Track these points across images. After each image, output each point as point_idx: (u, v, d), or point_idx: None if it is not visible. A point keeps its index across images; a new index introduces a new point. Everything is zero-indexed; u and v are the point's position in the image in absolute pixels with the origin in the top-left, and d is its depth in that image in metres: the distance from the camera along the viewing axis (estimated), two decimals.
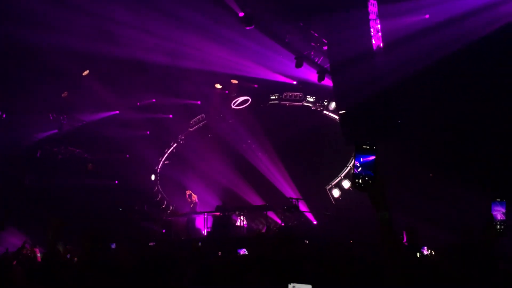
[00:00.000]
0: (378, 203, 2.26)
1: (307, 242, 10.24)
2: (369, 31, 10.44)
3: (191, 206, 15.78)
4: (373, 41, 10.48)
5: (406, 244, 6.63)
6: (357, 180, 2.25)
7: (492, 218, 3.46)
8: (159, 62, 14.62)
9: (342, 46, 11.21)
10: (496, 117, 10.09)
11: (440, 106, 10.98)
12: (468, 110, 10.41)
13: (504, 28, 9.67)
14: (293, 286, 2.64)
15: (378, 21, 10.53)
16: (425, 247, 6.87)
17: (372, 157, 2.25)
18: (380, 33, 10.59)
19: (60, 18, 12.02)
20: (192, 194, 16.09)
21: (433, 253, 6.77)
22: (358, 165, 2.26)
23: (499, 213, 3.53)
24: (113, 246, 8.86)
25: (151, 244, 12.35)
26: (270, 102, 17.23)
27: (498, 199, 3.54)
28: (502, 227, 3.48)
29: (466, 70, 10.23)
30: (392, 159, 12.40)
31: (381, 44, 10.58)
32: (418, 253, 6.71)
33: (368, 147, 2.26)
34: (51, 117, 16.44)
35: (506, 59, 9.68)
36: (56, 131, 16.96)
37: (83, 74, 15.68)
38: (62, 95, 16.08)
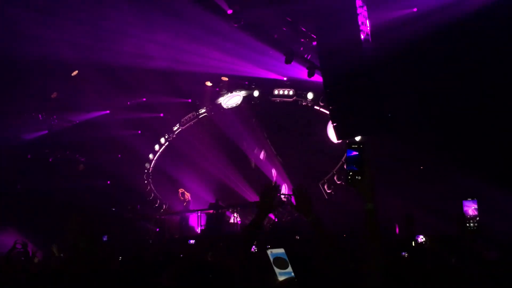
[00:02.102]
0: (365, 196, 2.36)
1: (298, 237, 10.28)
2: (357, 24, 10.45)
3: (184, 204, 15.78)
4: (361, 35, 10.48)
5: (398, 234, 6.70)
6: (349, 177, 2.38)
7: (463, 216, 3.50)
8: (148, 61, 14.53)
9: (331, 40, 11.20)
10: (487, 108, 10.17)
11: (430, 98, 11.05)
12: (459, 102, 10.47)
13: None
14: (271, 251, 2.79)
15: (366, 14, 10.54)
16: (420, 235, 6.92)
17: (355, 153, 2.37)
18: (368, 26, 10.61)
19: (47, 24, 11.99)
20: (185, 192, 16.08)
21: (428, 241, 6.82)
22: (349, 160, 2.39)
23: (470, 208, 3.57)
24: (105, 238, 8.84)
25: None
26: (261, 98, 17.22)
27: (468, 198, 3.60)
28: (476, 224, 3.52)
29: (457, 61, 10.29)
30: (383, 151, 12.47)
31: (370, 37, 10.60)
32: (413, 241, 6.76)
33: (354, 145, 2.39)
34: (40, 117, 16.33)
35: (498, 51, 9.75)
36: (46, 132, 16.86)
37: (72, 74, 15.58)
38: (52, 95, 15.96)
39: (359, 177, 2.36)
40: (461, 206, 3.58)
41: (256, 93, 17.08)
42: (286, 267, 2.78)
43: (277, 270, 2.77)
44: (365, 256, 2.31)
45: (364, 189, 2.37)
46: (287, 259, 2.80)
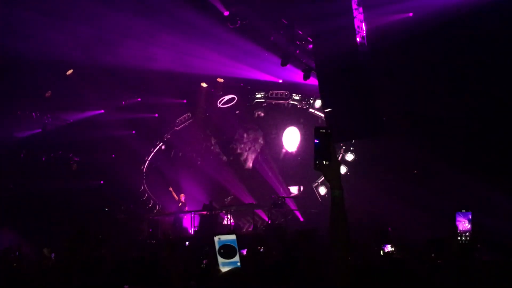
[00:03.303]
0: (333, 182, 2.35)
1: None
2: (353, 27, 10.49)
3: (179, 205, 15.73)
4: (357, 38, 10.53)
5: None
6: (316, 162, 2.36)
7: (455, 230, 3.47)
8: (144, 62, 14.50)
9: (327, 43, 11.24)
10: (482, 111, 10.25)
11: (425, 101, 11.11)
12: (453, 105, 10.55)
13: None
14: (219, 238, 2.62)
15: (362, 17, 10.59)
16: (388, 245, 6.92)
17: (325, 139, 2.36)
18: (364, 29, 10.66)
19: (43, 24, 11.95)
20: (181, 194, 16.04)
21: (395, 251, 6.83)
22: (316, 147, 2.37)
23: (461, 223, 3.55)
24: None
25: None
26: (256, 100, 17.25)
27: (463, 210, 3.56)
28: (468, 238, 3.49)
29: (453, 64, 10.36)
30: (380, 154, 12.54)
31: (365, 41, 10.65)
32: (381, 251, 6.82)
33: (324, 130, 2.38)
34: (34, 116, 16.24)
35: (494, 54, 9.82)
36: (39, 130, 16.77)
37: (67, 73, 15.52)
38: (46, 94, 15.87)
39: (326, 163, 2.33)
40: (454, 218, 3.55)
41: (251, 95, 17.08)
42: (232, 256, 2.60)
43: (220, 260, 2.60)
44: (332, 252, 2.26)
45: (331, 175, 2.36)
46: (236, 247, 2.63)
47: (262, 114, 17.16)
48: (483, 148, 10.26)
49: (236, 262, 2.59)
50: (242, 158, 17.35)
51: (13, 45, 12.27)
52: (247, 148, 17.26)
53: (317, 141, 2.37)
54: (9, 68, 13.45)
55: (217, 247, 2.64)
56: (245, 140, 17.36)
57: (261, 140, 17.09)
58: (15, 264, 8.07)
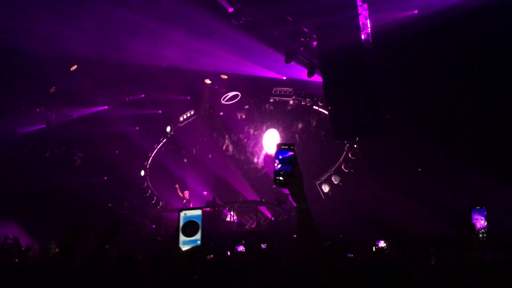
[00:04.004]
0: (297, 196, 2.33)
1: (295, 236, 10.27)
2: (358, 25, 10.46)
3: (184, 202, 15.75)
4: (362, 36, 10.50)
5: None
6: (277, 177, 2.34)
7: (473, 228, 3.43)
8: (148, 58, 14.50)
9: (331, 40, 11.22)
10: (488, 108, 10.22)
11: (428, 101, 11.07)
12: (458, 102, 10.52)
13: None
14: (185, 213, 2.50)
15: (367, 14, 10.56)
16: (381, 241, 6.90)
17: (290, 153, 2.34)
18: (369, 27, 10.62)
19: (49, 20, 11.97)
20: (185, 191, 16.07)
21: (389, 247, 6.80)
22: (278, 162, 2.35)
23: (478, 221, 3.51)
24: None
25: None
26: (260, 97, 17.23)
27: (477, 207, 3.53)
28: (485, 235, 3.47)
29: (456, 62, 10.32)
30: (381, 153, 12.51)
31: (370, 38, 10.62)
32: (373, 247, 6.80)
33: (286, 146, 2.36)
34: (38, 111, 16.29)
35: (500, 52, 9.77)
36: (43, 126, 16.82)
37: (71, 69, 15.53)
38: (50, 90, 15.91)
39: (290, 176, 2.32)
40: (470, 215, 3.51)
41: (255, 92, 17.07)
42: (194, 234, 2.46)
43: (182, 238, 2.44)
44: (306, 262, 2.25)
45: (296, 189, 2.34)
46: (200, 223, 2.48)
47: (266, 111, 17.14)
48: (488, 145, 10.22)
49: (196, 241, 2.45)
50: (245, 154, 17.35)
51: (17, 40, 12.30)
52: (250, 144, 17.25)
53: (284, 156, 2.35)
54: (13, 63, 13.48)
55: (181, 223, 2.46)
56: (247, 136, 17.35)
57: (263, 136, 17.07)
58: (17, 260, 8.10)
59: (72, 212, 13.65)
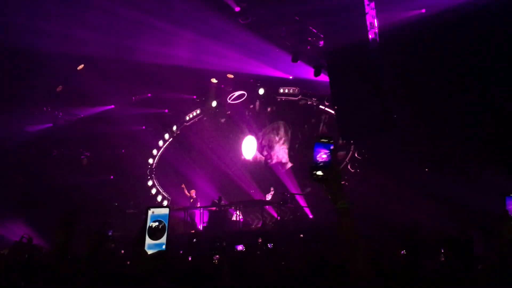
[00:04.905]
0: (337, 193, 2.19)
1: (302, 236, 10.27)
2: (365, 24, 10.40)
3: (191, 201, 15.76)
4: (369, 35, 10.44)
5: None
6: (315, 172, 2.22)
7: (507, 214, 3.28)
8: (154, 57, 14.52)
9: (338, 40, 11.17)
10: (493, 107, 10.15)
11: (436, 100, 11.01)
12: (464, 103, 10.45)
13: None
14: (153, 212, 2.27)
15: (374, 13, 10.50)
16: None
17: (330, 147, 2.23)
18: (376, 26, 10.56)
19: (57, 18, 12.03)
20: (191, 190, 16.08)
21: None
22: (317, 157, 2.24)
23: None
24: (110, 233, 8.85)
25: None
26: (266, 96, 17.21)
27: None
28: None
29: (464, 62, 10.24)
30: (387, 153, 12.45)
31: (377, 38, 10.55)
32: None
33: (326, 139, 2.25)
34: (45, 109, 16.36)
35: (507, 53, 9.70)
36: (50, 125, 16.90)
37: (78, 68, 15.59)
38: (57, 89, 15.97)
39: (328, 173, 2.18)
40: (504, 203, 3.38)
41: (261, 91, 17.08)
42: (160, 236, 2.21)
43: (148, 241, 2.19)
44: (349, 265, 2.08)
45: (335, 185, 2.18)
46: (167, 224, 2.23)
47: (272, 110, 17.13)
48: (499, 144, 10.15)
49: (161, 245, 2.20)
50: (252, 154, 17.34)
51: (25, 39, 12.35)
52: (257, 144, 17.24)
53: (318, 150, 2.23)
54: (20, 62, 13.54)
55: (148, 222, 2.21)
56: (254, 135, 17.34)
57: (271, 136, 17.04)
58: (27, 255, 8.13)
59: (78, 211, 13.68)
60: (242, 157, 17.37)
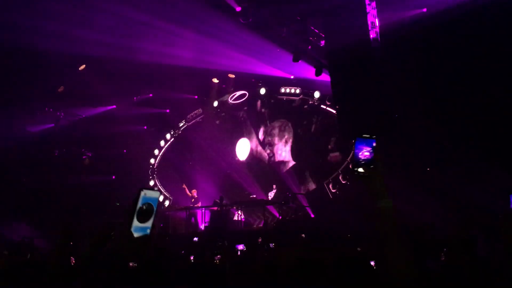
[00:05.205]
0: (379, 191, 2.12)
1: (303, 236, 10.28)
2: (367, 23, 10.39)
3: (192, 201, 15.77)
4: (370, 34, 10.43)
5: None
6: (357, 169, 2.18)
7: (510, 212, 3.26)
8: (156, 57, 14.53)
9: (339, 39, 11.16)
10: (493, 108, 10.12)
11: (438, 99, 10.99)
12: (466, 102, 10.43)
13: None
14: (145, 193, 2.17)
15: (375, 13, 10.48)
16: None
17: (372, 144, 2.19)
18: (377, 26, 10.55)
19: (59, 19, 12.06)
20: (193, 190, 16.09)
21: None
22: (359, 153, 2.19)
23: None
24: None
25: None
26: (268, 96, 17.22)
27: None
28: None
29: (464, 61, 10.22)
30: (389, 152, 12.42)
31: (378, 37, 10.54)
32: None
33: (368, 135, 2.21)
34: (47, 109, 16.39)
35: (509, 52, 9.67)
36: (52, 125, 16.92)
37: (79, 68, 15.61)
38: (58, 89, 16.00)
39: (371, 169, 2.13)
40: (509, 201, 3.36)
41: (262, 91, 17.09)
42: (147, 219, 2.12)
43: (135, 223, 2.09)
44: (388, 266, 2.00)
45: (378, 183, 2.12)
46: (155, 208, 2.16)
47: (273, 110, 17.13)
48: (503, 142, 10.13)
49: (146, 229, 2.10)
50: (254, 153, 17.34)
51: (27, 39, 12.37)
52: (259, 143, 17.24)
53: (359, 146, 2.19)
54: (22, 62, 13.56)
55: (139, 204, 2.11)
56: (256, 135, 17.35)
57: (272, 136, 17.04)
58: (29, 255, 8.18)
59: (80, 211, 13.72)
60: (236, 158, 17.49)
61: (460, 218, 9.25)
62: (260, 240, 10.75)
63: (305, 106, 16.24)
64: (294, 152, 16.23)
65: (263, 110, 17.43)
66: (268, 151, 16.89)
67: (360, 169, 2.16)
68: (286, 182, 15.60)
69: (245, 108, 17.79)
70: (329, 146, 15.30)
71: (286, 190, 14.85)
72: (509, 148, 10.02)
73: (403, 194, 11.26)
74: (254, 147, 17.38)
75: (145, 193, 2.16)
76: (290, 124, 16.61)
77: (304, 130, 16.20)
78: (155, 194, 2.19)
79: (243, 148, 17.55)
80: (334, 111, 14.61)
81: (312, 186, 15.43)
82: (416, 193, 10.96)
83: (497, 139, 10.18)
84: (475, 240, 4.89)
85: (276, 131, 16.89)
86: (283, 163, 16.37)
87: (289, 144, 16.44)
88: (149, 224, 2.12)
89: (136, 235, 2.09)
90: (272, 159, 16.71)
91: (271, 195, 15.04)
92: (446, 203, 10.33)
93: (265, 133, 17.17)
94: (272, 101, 17.18)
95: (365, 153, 2.19)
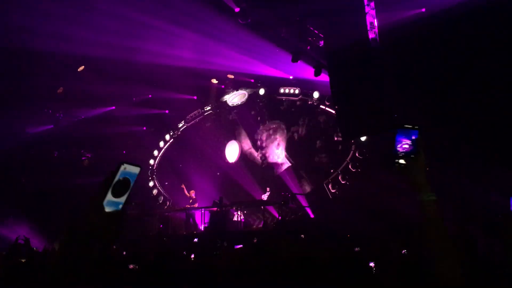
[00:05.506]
0: (422, 184, 2.06)
1: (303, 236, 10.27)
2: (365, 23, 10.40)
3: (190, 201, 15.77)
4: (369, 34, 10.44)
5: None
6: (397, 160, 2.12)
7: (511, 214, 3.25)
8: (154, 57, 14.53)
9: (338, 39, 11.17)
10: (491, 108, 10.13)
11: (436, 99, 11.00)
12: (465, 103, 10.45)
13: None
14: (125, 167, 2.01)
15: (374, 13, 10.49)
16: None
17: (415, 134, 2.13)
18: (376, 26, 10.56)
19: (58, 20, 12.06)
20: (191, 191, 16.09)
21: None
22: (397, 145, 2.13)
23: None
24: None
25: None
26: (267, 97, 17.22)
27: None
28: None
29: (462, 61, 10.23)
30: (388, 152, 12.39)
31: (377, 37, 10.55)
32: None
33: (410, 126, 2.14)
34: (46, 111, 16.40)
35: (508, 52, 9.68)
36: (51, 126, 16.93)
37: (78, 69, 15.61)
38: (58, 91, 16.00)
39: (412, 161, 2.07)
40: (509, 204, 3.35)
41: (261, 91, 17.10)
42: (122, 194, 1.99)
43: (109, 197, 1.97)
44: (438, 264, 1.93)
45: (420, 176, 2.06)
46: (132, 183, 2.01)
47: (273, 110, 17.13)
48: (503, 142, 10.14)
49: (119, 204, 1.96)
50: (253, 154, 17.35)
51: (26, 40, 12.37)
52: (258, 144, 17.24)
53: (401, 137, 2.12)
54: (21, 63, 13.57)
55: (117, 177, 1.99)
56: (255, 135, 17.35)
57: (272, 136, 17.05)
58: (25, 260, 8.16)
59: (75, 212, 13.72)
60: (226, 160, 17.64)
61: (460, 217, 9.26)
62: (255, 240, 10.74)
63: (304, 106, 16.26)
64: (290, 154, 16.25)
65: (260, 111, 17.42)
66: (261, 153, 16.91)
67: (402, 161, 2.11)
68: (281, 183, 15.59)
69: (244, 108, 17.78)
70: (317, 147, 15.39)
71: (283, 191, 14.83)
72: (509, 148, 10.03)
73: (404, 193, 11.28)
74: (246, 149, 17.40)
75: (125, 167, 2.00)
76: (285, 125, 16.63)
77: (302, 130, 16.21)
78: (135, 169, 2.02)
79: (232, 150, 17.63)
80: (333, 111, 14.63)
81: (307, 188, 15.43)
82: (416, 192, 10.94)
83: (497, 139, 10.19)
84: (475, 240, 4.90)
85: (270, 132, 16.91)
86: (278, 164, 16.38)
87: (283, 146, 16.45)
88: (122, 199, 1.97)
89: (107, 209, 1.94)
90: (265, 161, 16.73)
91: (264, 197, 15.03)
92: (446, 202, 10.33)
93: (259, 133, 17.18)
94: (269, 102, 17.18)
95: (404, 145, 2.13)
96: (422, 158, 2.08)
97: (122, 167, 1.98)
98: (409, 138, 2.12)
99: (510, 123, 9.88)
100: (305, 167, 15.79)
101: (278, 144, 16.56)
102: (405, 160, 2.09)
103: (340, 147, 14.82)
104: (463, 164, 10.60)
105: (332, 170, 14.91)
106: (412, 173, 2.07)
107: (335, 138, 14.92)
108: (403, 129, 2.12)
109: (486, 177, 9.94)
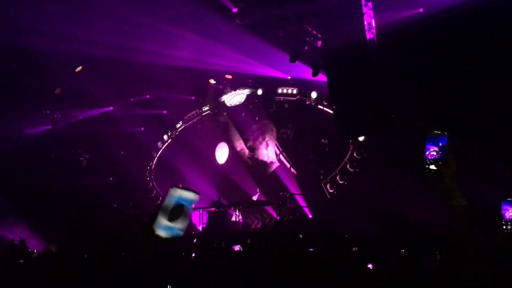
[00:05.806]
0: (452, 189, 2.06)
1: (301, 236, 10.30)
2: (363, 24, 10.42)
3: None
4: (367, 35, 10.46)
5: None
6: (428, 166, 2.14)
7: (501, 218, 3.27)
8: (152, 58, 14.51)
9: (336, 40, 11.18)
10: (489, 108, 10.16)
11: (434, 99, 11.02)
12: (462, 103, 10.47)
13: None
14: (180, 195, 2.08)
15: (372, 13, 10.51)
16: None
17: (444, 140, 2.15)
18: (373, 27, 10.58)
19: (57, 20, 12.04)
20: None
21: None
22: (430, 150, 2.15)
23: (508, 212, 3.34)
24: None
25: None
26: (265, 97, 17.22)
27: (509, 198, 3.36)
28: (509, 227, 3.29)
29: (460, 61, 10.26)
30: (386, 151, 12.46)
31: (375, 38, 10.57)
32: None
33: (439, 131, 2.17)
34: (43, 112, 16.38)
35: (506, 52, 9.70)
36: (49, 127, 16.90)
37: (76, 70, 15.58)
38: (55, 91, 15.97)
39: (443, 166, 2.08)
40: (499, 208, 3.35)
41: (259, 92, 17.09)
42: (176, 218, 1.97)
43: (163, 221, 1.97)
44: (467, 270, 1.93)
45: (450, 181, 2.05)
46: (188, 210, 2.00)
47: (270, 111, 17.13)
48: (500, 142, 10.17)
49: (176, 230, 1.97)
50: (252, 154, 17.35)
51: (24, 40, 12.35)
52: (257, 144, 17.24)
53: (431, 143, 2.15)
54: (19, 64, 13.54)
55: (172, 202, 1.99)
56: (253, 136, 17.35)
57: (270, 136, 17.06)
58: (22, 261, 8.14)
59: (77, 213, 13.71)
60: (215, 162, 17.69)
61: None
62: (248, 241, 10.76)
63: (302, 107, 16.26)
64: (286, 153, 16.26)
65: (257, 111, 17.42)
66: (252, 153, 16.93)
67: (432, 166, 2.13)
68: (273, 184, 15.59)
69: (240, 109, 17.77)
70: (314, 146, 15.44)
71: (275, 192, 14.79)
72: (509, 148, 10.04)
73: (402, 193, 11.32)
74: (240, 149, 17.41)
75: (180, 195, 2.06)
76: (277, 125, 16.66)
77: (298, 131, 16.23)
78: (191, 195, 2.08)
79: (223, 152, 17.75)
80: (331, 111, 14.64)
81: (302, 187, 15.44)
82: (415, 192, 10.99)
83: (497, 139, 10.21)
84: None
85: (263, 131, 16.95)
86: (267, 164, 16.39)
87: (273, 145, 16.47)
88: (181, 225, 2.02)
89: (163, 234, 1.99)
90: (256, 161, 16.76)
91: (255, 199, 15.04)
92: (446, 201, 10.34)
93: (251, 133, 17.20)
94: (266, 102, 17.19)
95: (432, 152, 2.16)
96: (452, 164, 2.09)
97: (173, 192, 2.03)
98: (437, 145, 2.15)
99: (510, 123, 9.90)
100: (302, 167, 15.79)
101: (271, 143, 16.58)
102: (435, 166, 2.11)
103: (338, 147, 14.81)
104: (463, 164, 10.58)
105: (328, 171, 14.92)
106: (443, 179, 2.08)
107: (332, 139, 14.92)
108: (431, 135, 2.15)
109: (486, 177, 9.96)
